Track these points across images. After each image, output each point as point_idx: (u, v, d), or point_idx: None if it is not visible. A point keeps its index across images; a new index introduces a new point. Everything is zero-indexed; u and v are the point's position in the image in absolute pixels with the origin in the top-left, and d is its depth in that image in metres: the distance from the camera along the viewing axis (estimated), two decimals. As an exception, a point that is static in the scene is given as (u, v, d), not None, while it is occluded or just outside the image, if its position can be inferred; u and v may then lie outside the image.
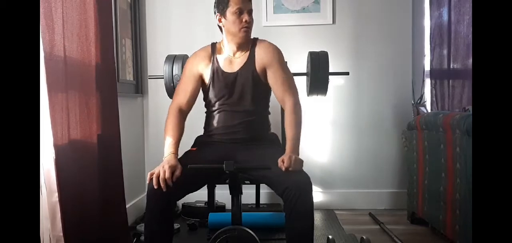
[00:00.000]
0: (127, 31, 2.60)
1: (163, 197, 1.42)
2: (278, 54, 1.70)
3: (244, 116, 1.66)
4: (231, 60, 1.70)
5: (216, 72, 1.68)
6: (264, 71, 1.67)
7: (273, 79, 1.67)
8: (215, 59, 1.70)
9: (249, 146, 1.64)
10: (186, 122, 1.70)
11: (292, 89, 1.67)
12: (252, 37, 1.72)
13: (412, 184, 2.41)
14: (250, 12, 1.64)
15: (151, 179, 1.41)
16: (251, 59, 1.67)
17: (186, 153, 1.65)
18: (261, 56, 1.67)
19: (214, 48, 1.73)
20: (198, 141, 1.74)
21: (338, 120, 2.82)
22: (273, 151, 1.62)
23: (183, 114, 1.68)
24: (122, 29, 2.50)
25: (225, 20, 1.64)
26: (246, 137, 1.66)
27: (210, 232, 2.19)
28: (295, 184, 1.39)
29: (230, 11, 1.61)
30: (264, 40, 1.73)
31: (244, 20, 1.60)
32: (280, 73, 1.66)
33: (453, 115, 1.91)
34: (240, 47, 1.68)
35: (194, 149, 1.68)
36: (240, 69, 1.67)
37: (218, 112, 1.69)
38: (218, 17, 1.67)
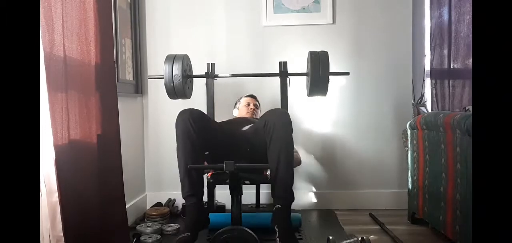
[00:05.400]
0: (127, 31, 2.60)
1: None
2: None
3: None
4: None
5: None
6: None
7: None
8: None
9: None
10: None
11: None
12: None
13: (413, 184, 2.40)
14: (255, 106, 2.48)
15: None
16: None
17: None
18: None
19: None
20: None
21: (338, 120, 2.82)
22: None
23: None
24: (122, 29, 2.50)
25: (239, 108, 2.50)
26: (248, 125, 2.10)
27: (210, 232, 2.19)
28: (274, 117, 1.77)
29: (242, 104, 2.49)
30: None
31: (250, 107, 2.45)
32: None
33: (454, 115, 1.91)
34: None
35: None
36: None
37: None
38: (235, 105, 2.55)
